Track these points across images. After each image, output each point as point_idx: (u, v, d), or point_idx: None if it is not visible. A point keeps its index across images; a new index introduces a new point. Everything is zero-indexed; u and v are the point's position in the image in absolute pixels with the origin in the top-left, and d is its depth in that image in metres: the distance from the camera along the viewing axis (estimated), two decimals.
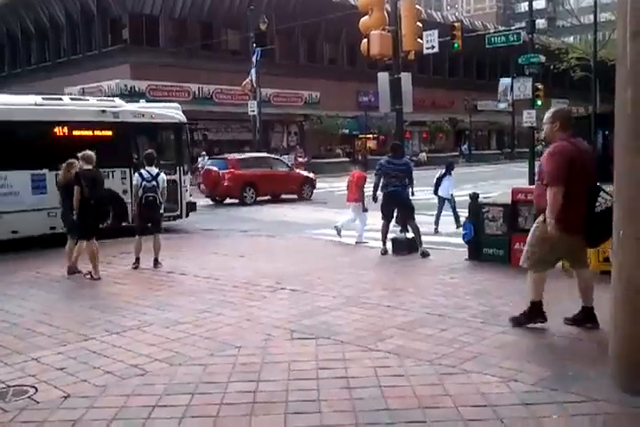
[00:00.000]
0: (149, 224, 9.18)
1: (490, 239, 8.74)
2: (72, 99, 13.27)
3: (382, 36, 10.63)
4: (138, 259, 9.02)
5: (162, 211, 9.43)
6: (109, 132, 12.23)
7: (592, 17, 27.77)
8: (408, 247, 9.77)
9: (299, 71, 40.90)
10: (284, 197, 21.26)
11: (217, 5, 37.42)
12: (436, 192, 12.79)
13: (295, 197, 21.14)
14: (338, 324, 5.72)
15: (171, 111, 13.63)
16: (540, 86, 23.86)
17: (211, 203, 20.14)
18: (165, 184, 9.42)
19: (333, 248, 10.80)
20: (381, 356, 4.78)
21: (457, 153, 47.95)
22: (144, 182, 9.00)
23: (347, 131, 43.03)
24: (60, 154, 9.60)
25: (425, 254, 9.43)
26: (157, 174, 9.11)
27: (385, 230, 9.86)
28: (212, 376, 4.46)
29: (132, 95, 33.22)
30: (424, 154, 44.37)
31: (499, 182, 23.79)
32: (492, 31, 30.39)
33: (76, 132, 11.77)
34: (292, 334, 5.45)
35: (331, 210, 16.72)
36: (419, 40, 11.55)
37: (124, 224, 11.70)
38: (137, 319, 6.10)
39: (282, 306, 6.50)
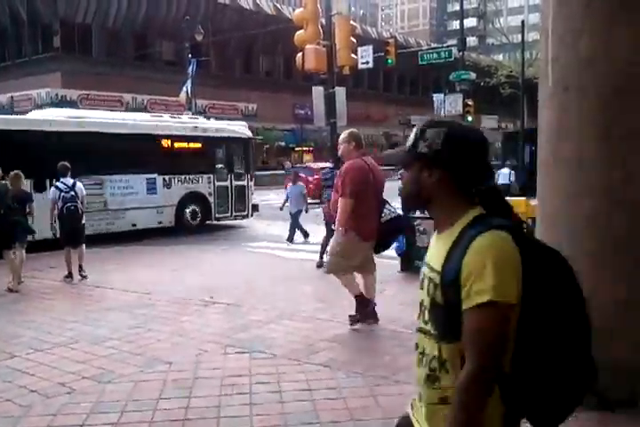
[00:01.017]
0: (73, 235, 8.98)
1: (421, 252, 8.90)
2: (171, 116, 15.98)
3: (317, 50, 10.76)
4: (70, 273, 8.78)
5: (84, 221, 9.27)
6: (199, 145, 14.81)
7: (520, 36, 28.81)
8: None
9: (235, 83, 40.84)
10: None
11: (152, 15, 37.03)
12: None
13: None
14: (271, 337, 5.71)
15: (240, 128, 16.07)
16: (470, 102, 24.62)
17: None
18: (84, 193, 9.31)
19: (269, 261, 10.77)
20: (314, 369, 4.79)
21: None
22: (62, 194, 8.91)
23: (283, 143, 43.17)
24: (165, 161, 13.94)
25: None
26: (74, 184, 9.02)
27: (324, 243, 9.89)
28: (142, 393, 4.37)
29: (62, 104, 32.38)
30: None
31: None
32: (424, 48, 31.19)
33: (176, 144, 14.41)
34: (226, 348, 5.40)
35: (263, 222, 16.66)
36: (353, 55, 11.73)
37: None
38: (64, 336, 5.93)
39: (215, 320, 6.44)
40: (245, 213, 15.91)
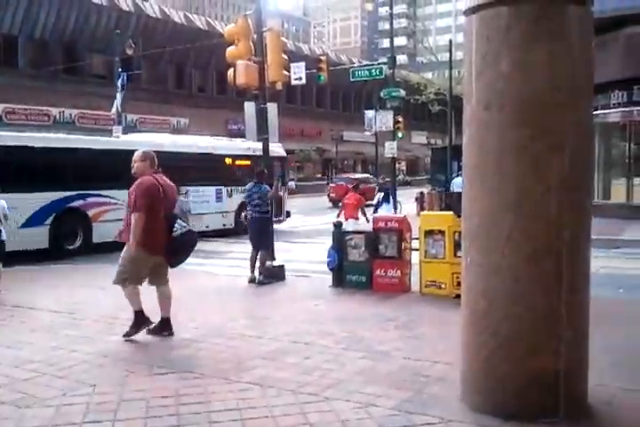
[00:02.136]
0: None
1: (353, 266, 8.97)
2: (228, 140, 19.92)
3: (248, 66, 10.73)
4: None
5: (4, 238, 8.92)
6: (249, 162, 18.17)
7: (448, 55, 29.62)
8: (275, 275, 9.82)
9: (167, 97, 40.38)
10: None
11: (81, 28, 36.27)
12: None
13: None
14: (200, 356, 5.61)
15: (278, 148, 18.33)
16: (400, 119, 25.05)
17: None
18: (7, 211, 9.03)
19: (198, 278, 10.60)
20: (244, 387, 4.72)
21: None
22: None
23: None
24: (227, 175, 18.19)
25: (261, 283, 9.57)
26: None
27: (253, 258, 9.91)
28: (65, 418, 4.19)
29: None
30: (293, 182, 44.98)
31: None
32: (356, 65, 31.67)
33: (236, 162, 18.50)
34: (152, 369, 5.26)
35: None
36: (285, 71, 11.75)
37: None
38: None
39: (142, 340, 6.27)
40: (282, 217, 19.28)
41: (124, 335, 6.22)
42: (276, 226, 18.17)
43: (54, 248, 13.61)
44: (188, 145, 17.30)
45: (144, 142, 15.19)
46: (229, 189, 18.14)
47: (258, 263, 9.86)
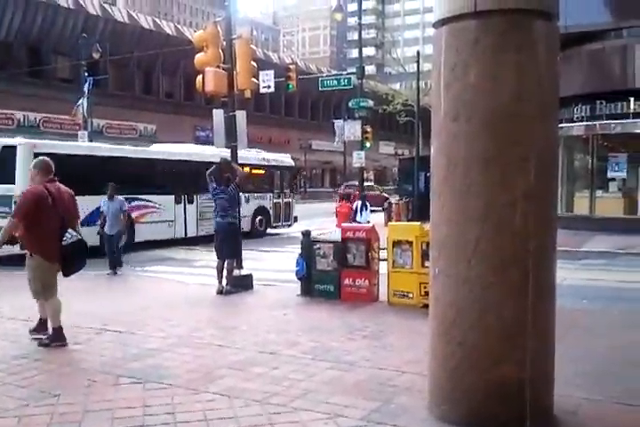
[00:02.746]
0: None
1: (321, 275, 8.97)
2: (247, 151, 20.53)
3: (217, 73, 10.70)
4: None
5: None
6: (264, 171, 20.83)
7: (416, 66, 29.92)
8: (243, 284, 9.75)
9: (134, 103, 40.02)
10: None
11: (47, 30, 35.78)
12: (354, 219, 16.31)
13: None
14: (167, 366, 5.53)
15: (287, 159, 22.78)
16: (368, 129, 25.19)
17: None
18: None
19: (165, 286, 10.50)
20: (211, 398, 4.67)
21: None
22: None
23: None
24: (246, 183, 16.78)
25: (228, 292, 9.45)
26: None
27: (219, 267, 9.72)
28: None
29: None
30: None
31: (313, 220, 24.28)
32: (325, 74, 31.79)
33: (254, 170, 19.78)
34: (118, 378, 5.17)
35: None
36: (254, 79, 11.74)
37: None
38: None
39: (107, 349, 6.16)
40: (289, 222, 21.85)
41: (40, 344, 6.28)
42: (286, 230, 21.57)
43: (102, 246, 13.83)
44: (212, 155, 17.59)
45: (175, 153, 18.03)
46: (247, 195, 18.90)
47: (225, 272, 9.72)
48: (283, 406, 4.47)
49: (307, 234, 9.36)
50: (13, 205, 11.79)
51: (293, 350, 6.06)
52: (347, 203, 15.33)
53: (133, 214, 15.55)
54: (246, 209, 18.91)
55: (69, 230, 6.20)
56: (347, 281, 8.73)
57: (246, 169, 18.31)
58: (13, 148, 13.54)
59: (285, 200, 21.75)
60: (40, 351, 6.07)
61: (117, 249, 11.99)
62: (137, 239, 15.86)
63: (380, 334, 6.78)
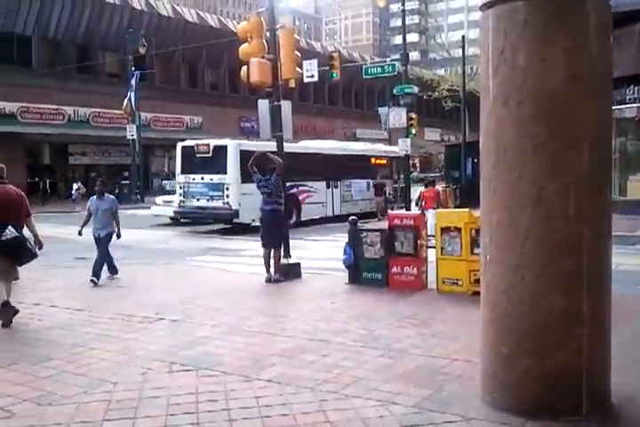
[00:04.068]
0: None
1: (369, 263, 8.95)
2: (372, 144, 26.53)
3: (261, 63, 10.72)
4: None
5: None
6: (385, 161, 25.11)
7: (461, 51, 29.46)
8: (292, 272, 9.81)
9: (180, 96, 40.49)
10: None
11: (94, 27, 36.44)
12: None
13: None
14: (219, 354, 5.62)
15: (397, 149, 25.14)
16: (413, 116, 24.96)
17: None
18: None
19: (215, 276, 10.64)
20: (263, 385, 4.73)
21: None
22: None
23: None
24: (371, 171, 23.93)
25: (277, 280, 9.50)
26: None
27: (266, 256, 9.78)
28: (86, 415, 4.22)
29: (2, 117, 31.53)
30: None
31: None
32: (368, 62, 31.57)
33: (377, 161, 24.59)
34: (172, 366, 5.29)
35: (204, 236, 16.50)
36: (298, 69, 11.73)
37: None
38: (1, 357, 5.69)
39: (161, 337, 6.30)
40: (404, 204, 23.95)
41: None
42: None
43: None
44: (352, 149, 24.06)
45: (322, 148, 22.16)
46: (372, 181, 23.20)
47: (272, 261, 9.77)
48: (334, 393, 4.49)
49: (353, 223, 9.34)
50: (225, 191, 17.79)
51: (343, 337, 6.08)
52: (433, 188, 16.57)
53: (300, 197, 19.65)
54: (372, 193, 23.25)
55: (9, 228, 6.77)
56: (395, 269, 8.70)
57: (373, 160, 24.21)
58: (224, 147, 18.02)
59: (394, 185, 25.10)
60: (96, 340, 6.22)
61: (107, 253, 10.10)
62: (302, 218, 19.56)
63: (430, 322, 6.74)
